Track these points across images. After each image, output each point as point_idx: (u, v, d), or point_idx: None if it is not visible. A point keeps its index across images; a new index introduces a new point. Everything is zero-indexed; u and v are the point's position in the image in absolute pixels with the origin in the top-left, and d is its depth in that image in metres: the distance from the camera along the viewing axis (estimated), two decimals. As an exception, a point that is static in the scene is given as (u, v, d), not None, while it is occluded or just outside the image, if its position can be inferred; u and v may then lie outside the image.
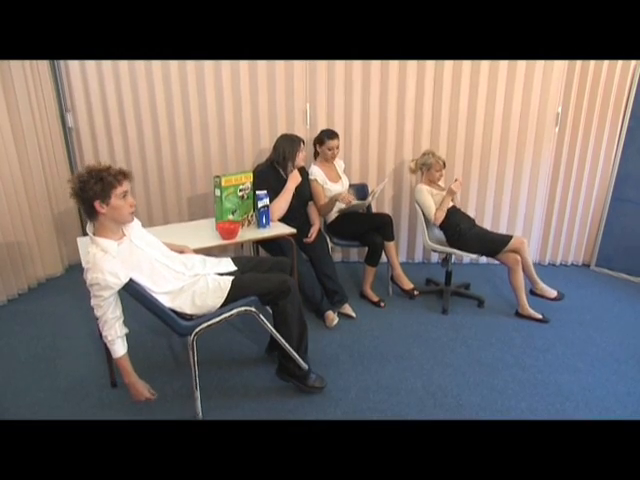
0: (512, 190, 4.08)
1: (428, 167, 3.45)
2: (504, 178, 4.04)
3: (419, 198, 3.43)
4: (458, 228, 3.33)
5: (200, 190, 4.08)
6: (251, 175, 3.06)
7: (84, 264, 2.07)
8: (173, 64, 3.77)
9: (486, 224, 4.13)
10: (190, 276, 2.29)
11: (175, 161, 4.02)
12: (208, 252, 2.65)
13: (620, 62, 3.71)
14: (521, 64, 3.74)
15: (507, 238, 3.22)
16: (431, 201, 3.39)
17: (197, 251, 2.61)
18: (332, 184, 3.48)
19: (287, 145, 3.21)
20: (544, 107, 3.84)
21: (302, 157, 3.26)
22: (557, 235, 4.23)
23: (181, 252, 2.50)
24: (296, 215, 3.30)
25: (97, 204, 2.01)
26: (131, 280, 2.08)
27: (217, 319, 2.25)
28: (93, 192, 1.98)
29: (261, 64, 3.76)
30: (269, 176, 3.21)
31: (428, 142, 3.97)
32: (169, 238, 2.57)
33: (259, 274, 2.47)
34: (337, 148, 3.45)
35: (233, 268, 2.47)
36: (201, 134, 3.95)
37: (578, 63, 3.77)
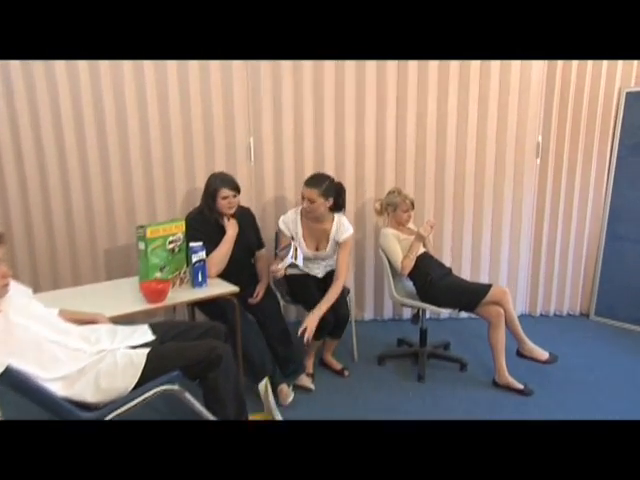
0: (492, 231, 4.16)
1: (394, 207, 3.48)
2: (482, 218, 4.13)
3: (383, 244, 3.45)
4: (429, 278, 3.33)
5: (121, 241, 3.96)
6: (183, 223, 3.03)
7: None
8: (85, 88, 3.67)
9: (464, 273, 4.19)
10: (93, 353, 2.16)
11: (89, 206, 3.88)
12: (131, 320, 2.56)
13: (603, 83, 3.93)
14: (494, 87, 3.89)
15: (485, 288, 3.22)
16: (397, 247, 3.41)
17: (115, 320, 2.49)
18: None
19: (211, 186, 3.21)
20: (522, 136, 3.97)
21: (227, 203, 3.19)
22: (548, 281, 4.32)
23: (92, 323, 2.37)
24: (239, 269, 3.26)
25: None
26: (8, 369, 1.89)
27: (130, 404, 2.08)
28: None
29: (194, 91, 3.76)
30: (204, 224, 3.17)
31: (393, 179, 4.04)
32: (78, 304, 2.48)
33: (182, 342, 2.36)
34: (310, 202, 3.25)
35: (151, 338, 2.36)
36: (122, 174, 3.86)
37: (557, 85, 3.96)
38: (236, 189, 3.23)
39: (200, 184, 3.80)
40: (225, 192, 3.17)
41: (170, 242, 2.95)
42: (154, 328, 2.41)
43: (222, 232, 3.18)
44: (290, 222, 3.35)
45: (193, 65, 3.70)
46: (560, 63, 3.94)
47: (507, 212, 4.11)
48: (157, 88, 3.74)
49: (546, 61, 3.91)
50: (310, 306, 3.16)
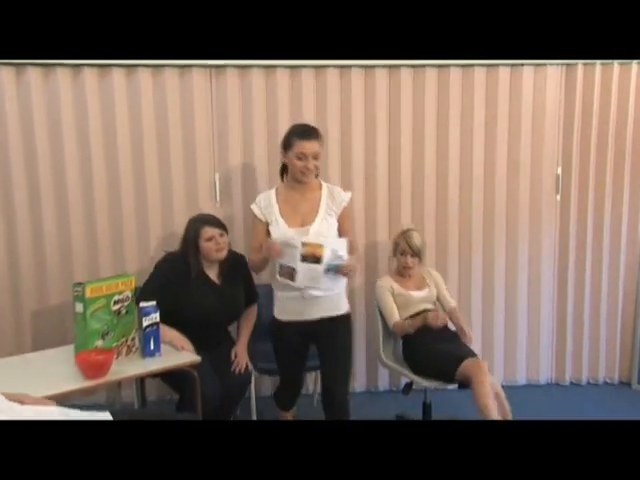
0: (506, 284, 4.04)
1: (401, 251, 3.46)
2: (493, 269, 4.02)
3: (376, 295, 3.45)
4: (418, 340, 3.24)
5: (53, 302, 3.77)
6: (132, 280, 2.94)
7: None
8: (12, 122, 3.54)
9: (474, 335, 3.83)
10: None
11: (13, 258, 3.70)
12: (65, 399, 2.35)
13: (633, 98, 3.83)
14: (502, 115, 3.81)
15: (459, 358, 3.09)
16: (391, 302, 3.39)
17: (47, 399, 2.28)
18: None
19: (190, 230, 3.15)
20: (538, 168, 3.89)
21: (214, 245, 3.05)
22: (577, 343, 4.15)
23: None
24: (211, 334, 3.15)
25: None
26: None
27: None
28: None
29: (147, 117, 3.62)
30: (172, 268, 3.13)
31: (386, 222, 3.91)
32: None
33: None
34: (315, 158, 2.98)
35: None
36: (57, 219, 3.67)
37: (577, 100, 3.88)
38: (221, 226, 3.17)
39: (156, 231, 3.73)
40: (208, 231, 3.09)
41: (115, 302, 2.87)
42: (114, 414, 2.19)
43: (206, 283, 3.13)
44: (263, 201, 3.03)
45: (146, 82, 3.59)
46: (580, 76, 3.84)
47: (523, 261, 4.00)
48: (103, 124, 3.63)
49: (563, 73, 3.84)
50: (288, 380, 3.19)
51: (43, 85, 3.55)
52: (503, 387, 3.20)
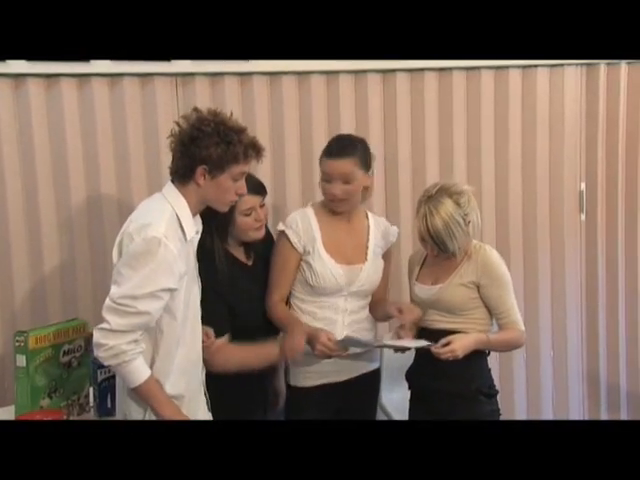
0: (525, 322, 3.79)
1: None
2: None
3: None
4: None
5: None
6: (85, 325, 2.84)
7: None
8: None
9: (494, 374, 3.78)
10: None
11: None
12: None
13: None
14: (514, 123, 3.75)
15: None
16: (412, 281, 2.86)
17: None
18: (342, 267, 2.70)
19: None
20: (558, 184, 3.81)
21: (252, 221, 2.59)
22: (612, 393, 4.04)
23: None
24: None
25: None
26: None
27: None
28: None
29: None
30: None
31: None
32: None
33: None
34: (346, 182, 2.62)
35: None
36: None
37: (601, 105, 3.84)
38: (262, 191, 2.65)
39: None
40: (248, 201, 2.53)
41: (65, 353, 2.80)
42: None
43: (235, 264, 2.63)
44: (301, 224, 2.66)
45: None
46: (603, 77, 3.83)
47: (544, 292, 3.87)
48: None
49: (583, 75, 3.85)
50: None
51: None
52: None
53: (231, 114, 2.38)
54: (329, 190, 2.62)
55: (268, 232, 2.76)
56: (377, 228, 2.83)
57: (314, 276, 2.64)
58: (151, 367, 2.30)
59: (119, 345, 2.20)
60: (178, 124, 2.34)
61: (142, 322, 2.22)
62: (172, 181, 2.40)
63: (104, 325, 2.23)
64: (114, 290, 2.24)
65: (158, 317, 2.26)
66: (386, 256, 2.84)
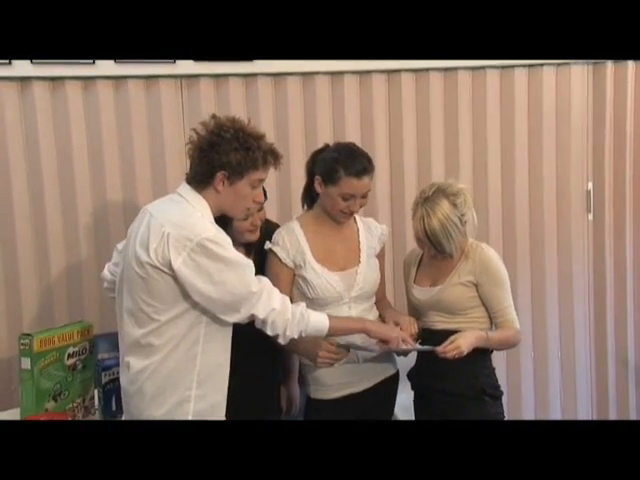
0: (532, 322, 3.86)
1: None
2: (517, 305, 3.73)
3: None
4: None
5: None
6: (90, 327, 2.89)
7: None
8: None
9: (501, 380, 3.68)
10: None
11: None
12: None
13: None
14: (520, 123, 3.74)
15: None
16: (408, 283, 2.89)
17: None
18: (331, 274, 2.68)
19: None
20: (565, 184, 3.80)
21: (249, 225, 2.64)
22: (621, 405, 4.00)
23: None
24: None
25: None
26: None
27: None
28: None
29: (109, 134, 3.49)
30: None
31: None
32: None
33: None
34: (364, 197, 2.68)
35: None
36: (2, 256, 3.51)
37: (608, 110, 3.83)
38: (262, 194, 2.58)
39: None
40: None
41: (70, 356, 2.81)
42: None
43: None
44: (288, 240, 2.68)
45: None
46: (610, 76, 3.81)
47: (552, 294, 3.85)
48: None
49: (589, 74, 3.83)
50: None
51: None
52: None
53: (249, 121, 2.39)
54: (349, 208, 2.63)
55: (269, 225, 2.82)
56: (366, 229, 2.85)
57: (311, 288, 2.63)
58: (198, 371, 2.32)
59: (291, 310, 2.32)
60: (196, 131, 2.33)
61: (278, 294, 2.34)
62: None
63: (267, 313, 2.29)
64: (239, 291, 2.26)
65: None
66: (379, 254, 2.87)
